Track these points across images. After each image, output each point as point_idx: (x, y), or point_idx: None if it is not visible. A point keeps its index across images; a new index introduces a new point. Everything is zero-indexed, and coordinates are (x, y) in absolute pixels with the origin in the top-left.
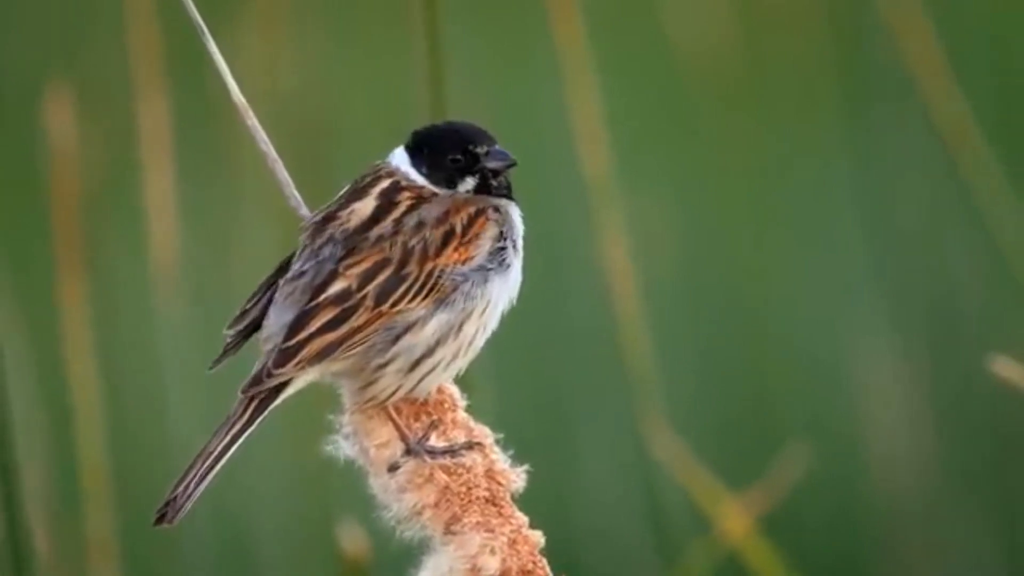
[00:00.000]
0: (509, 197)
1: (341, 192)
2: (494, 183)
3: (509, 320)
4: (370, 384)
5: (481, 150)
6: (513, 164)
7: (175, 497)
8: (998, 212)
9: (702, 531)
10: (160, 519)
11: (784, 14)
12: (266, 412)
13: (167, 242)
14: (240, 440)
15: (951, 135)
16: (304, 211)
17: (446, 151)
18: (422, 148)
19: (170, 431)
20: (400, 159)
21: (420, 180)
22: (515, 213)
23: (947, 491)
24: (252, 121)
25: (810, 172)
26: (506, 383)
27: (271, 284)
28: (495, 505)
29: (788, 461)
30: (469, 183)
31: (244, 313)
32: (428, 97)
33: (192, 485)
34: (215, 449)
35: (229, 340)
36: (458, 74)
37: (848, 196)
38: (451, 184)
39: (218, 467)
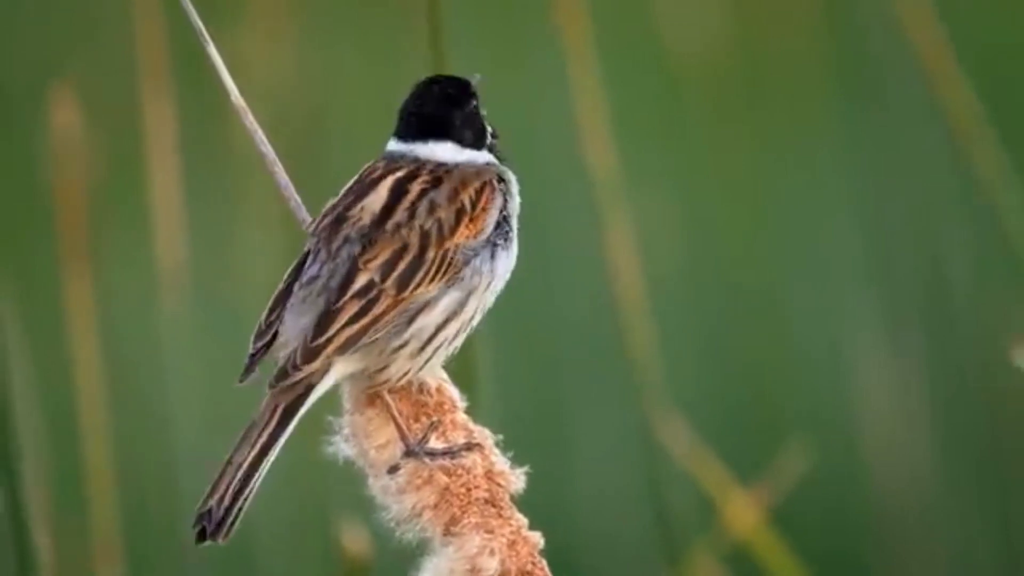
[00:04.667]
0: (499, 158)
1: (344, 188)
2: (493, 130)
3: (511, 316)
4: (384, 368)
5: (474, 85)
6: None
7: (209, 510)
8: (1007, 203)
9: (706, 526)
10: (202, 535)
11: (781, 10)
12: (296, 418)
13: (172, 244)
14: (273, 449)
15: (958, 126)
16: (304, 213)
17: (469, 106)
18: (452, 122)
19: (173, 434)
20: (437, 149)
21: (460, 159)
22: (515, 183)
23: (944, 484)
24: (251, 123)
25: (809, 169)
26: (508, 379)
27: (288, 294)
28: (495, 506)
29: (791, 455)
30: (488, 130)
31: (268, 326)
32: None
33: (228, 498)
34: (246, 459)
35: (254, 354)
36: (460, 72)
37: (846, 192)
38: (481, 143)
39: (256, 478)
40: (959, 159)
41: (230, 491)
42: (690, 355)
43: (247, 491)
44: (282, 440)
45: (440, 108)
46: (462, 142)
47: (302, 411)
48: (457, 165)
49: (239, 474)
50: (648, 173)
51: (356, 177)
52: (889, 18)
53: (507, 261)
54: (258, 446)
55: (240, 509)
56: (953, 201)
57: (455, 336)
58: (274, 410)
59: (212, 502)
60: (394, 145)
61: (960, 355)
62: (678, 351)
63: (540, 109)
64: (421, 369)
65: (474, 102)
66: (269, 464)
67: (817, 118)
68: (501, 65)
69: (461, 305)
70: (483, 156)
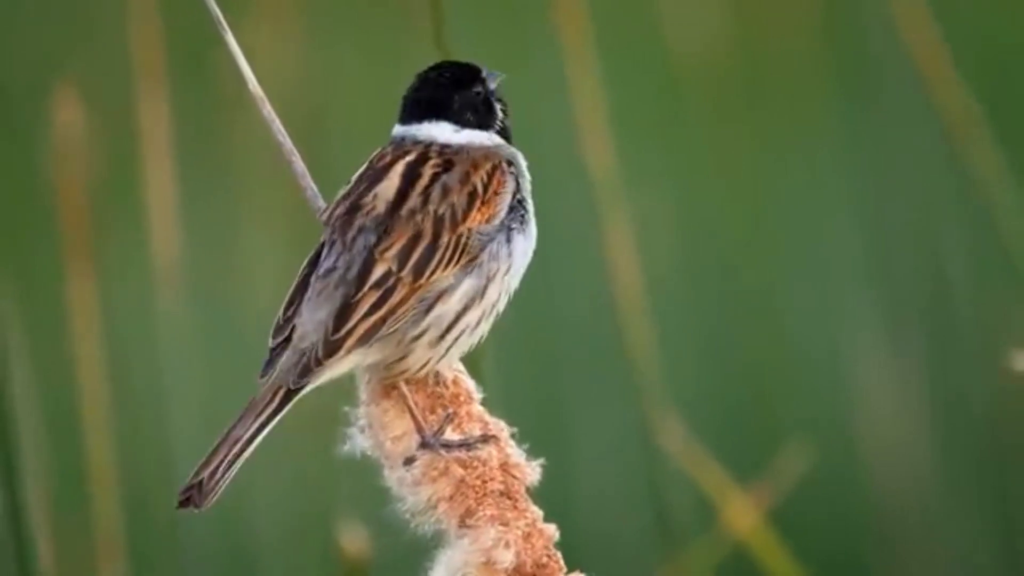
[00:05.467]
0: (508, 139)
1: (356, 176)
2: (503, 110)
3: (511, 314)
4: (403, 358)
5: (485, 74)
6: (502, 76)
7: (201, 481)
8: (1003, 203)
9: (706, 527)
10: (185, 502)
11: (781, 10)
12: (294, 400)
13: (169, 239)
14: (268, 428)
15: (955, 127)
16: (320, 202)
17: (471, 89)
18: (449, 103)
19: (174, 431)
20: (433, 129)
21: (459, 139)
22: (523, 163)
23: (944, 484)
24: (269, 112)
25: (809, 169)
26: (508, 378)
27: (305, 286)
28: (510, 498)
29: (790, 455)
30: (498, 114)
31: (287, 321)
32: None
33: (220, 471)
34: (243, 435)
35: (273, 348)
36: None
37: (846, 192)
38: (486, 124)
39: (246, 454)
40: (956, 159)
41: (223, 466)
42: (690, 355)
43: (237, 465)
44: (278, 419)
45: (436, 90)
46: (460, 123)
47: (303, 392)
48: (462, 146)
49: (235, 449)
50: (648, 173)
51: (366, 164)
52: (888, 18)
53: (525, 243)
54: (256, 424)
55: (225, 481)
56: (952, 201)
57: (478, 323)
58: (276, 390)
59: (204, 474)
60: (396, 129)
61: (960, 355)
62: (678, 351)
63: (540, 109)
64: (442, 358)
65: (479, 87)
66: (260, 440)
67: (817, 118)
68: (501, 65)
69: (481, 292)
70: (488, 138)
